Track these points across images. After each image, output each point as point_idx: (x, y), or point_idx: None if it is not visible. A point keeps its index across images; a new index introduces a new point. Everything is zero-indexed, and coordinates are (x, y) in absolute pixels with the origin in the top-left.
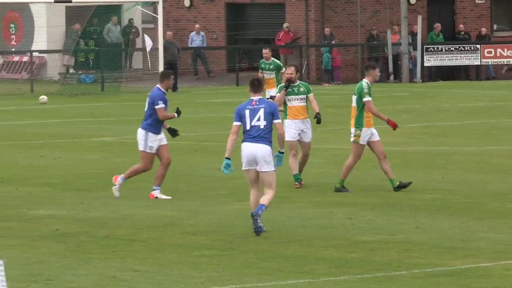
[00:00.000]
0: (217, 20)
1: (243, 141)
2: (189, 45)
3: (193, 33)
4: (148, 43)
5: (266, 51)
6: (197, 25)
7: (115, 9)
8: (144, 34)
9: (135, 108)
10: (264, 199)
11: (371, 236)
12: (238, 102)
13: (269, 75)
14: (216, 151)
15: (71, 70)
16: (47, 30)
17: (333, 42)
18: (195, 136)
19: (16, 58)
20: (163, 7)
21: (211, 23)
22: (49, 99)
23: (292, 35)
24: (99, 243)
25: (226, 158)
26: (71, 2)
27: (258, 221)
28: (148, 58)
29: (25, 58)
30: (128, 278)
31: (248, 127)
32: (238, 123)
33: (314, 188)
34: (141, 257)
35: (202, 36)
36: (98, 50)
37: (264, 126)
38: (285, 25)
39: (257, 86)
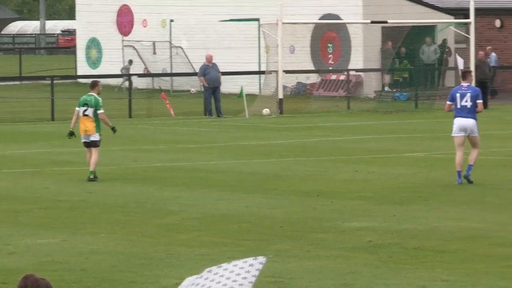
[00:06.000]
0: None
1: (455, 116)
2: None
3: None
4: (460, 62)
5: None
6: (488, 47)
7: (429, 30)
8: (456, 54)
9: (448, 125)
10: (471, 159)
11: None
12: None
13: None
14: None
15: (386, 88)
16: (363, 49)
17: None
18: (504, 151)
19: (333, 77)
20: (475, 28)
21: None
22: (365, 116)
23: None
24: (409, 254)
25: None
26: (387, 22)
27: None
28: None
29: (342, 77)
30: None
31: (458, 106)
32: (450, 103)
33: None
34: (449, 267)
35: (490, 58)
36: (412, 69)
37: (471, 105)
38: None
39: (466, 75)
